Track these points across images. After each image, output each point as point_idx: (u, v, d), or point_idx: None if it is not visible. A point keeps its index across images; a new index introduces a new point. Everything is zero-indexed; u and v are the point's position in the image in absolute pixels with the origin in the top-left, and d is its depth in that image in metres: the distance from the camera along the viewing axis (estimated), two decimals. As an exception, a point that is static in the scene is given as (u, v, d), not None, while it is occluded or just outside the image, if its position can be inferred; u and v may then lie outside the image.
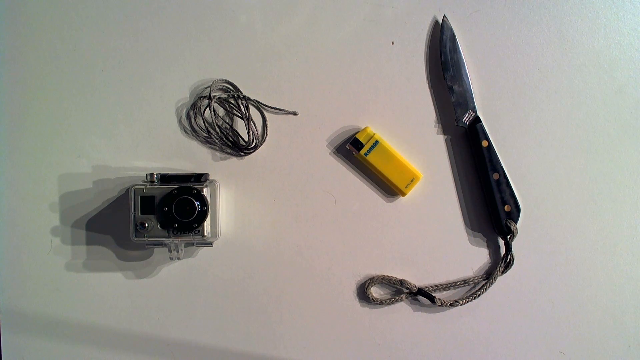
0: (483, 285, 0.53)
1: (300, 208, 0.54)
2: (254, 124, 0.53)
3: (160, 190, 0.48)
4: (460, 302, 0.53)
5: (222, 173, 0.54)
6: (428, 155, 0.54)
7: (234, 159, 0.54)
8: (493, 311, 0.54)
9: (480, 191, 0.54)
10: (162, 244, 0.49)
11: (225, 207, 0.53)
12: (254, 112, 0.54)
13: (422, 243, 0.54)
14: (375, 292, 0.54)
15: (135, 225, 0.48)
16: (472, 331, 0.54)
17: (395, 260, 0.54)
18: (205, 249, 0.53)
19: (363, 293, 0.53)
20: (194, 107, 0.53)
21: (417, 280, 0.54)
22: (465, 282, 0.53)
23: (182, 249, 0.49)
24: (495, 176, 0.52)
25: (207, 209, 0.48)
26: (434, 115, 0.54)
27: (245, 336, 0.54)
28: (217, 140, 0.53)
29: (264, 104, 0.53)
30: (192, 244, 0.51)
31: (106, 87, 0.54)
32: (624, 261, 0.54)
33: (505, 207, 0.52)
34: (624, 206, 0.54)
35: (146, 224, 0.47)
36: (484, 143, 0.52)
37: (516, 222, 0.53)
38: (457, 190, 0.54)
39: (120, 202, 0.53)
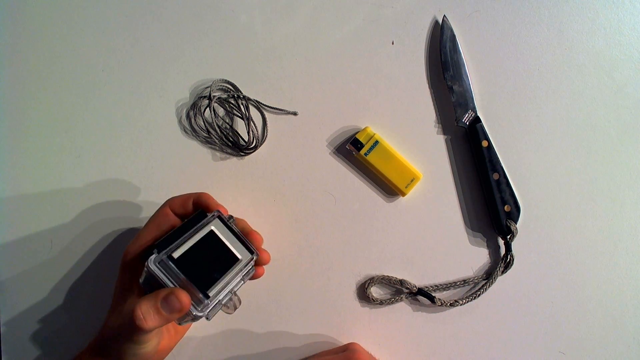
0: (483, 285, 0.53)
1: (300, 208, 0.54)
2: (254, 124, 0.53)
3: None
4: (460, 302, 0.53)
5: (222, 173, 0.54)
6: (428, 155, 0.54)
7: (234, 159, 0.54)
8: (493, 311, 0.54)
9: (480, 191, 0.54)
10: None
11: (226, 206, 0.53)
12: (254, 112, 0.54)
13: (422, 243, 0.54)
14: (375, 292, 0.54)
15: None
16: (472, 331, 0.54)
17: (395, 260, 0.54)
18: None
19: (363, 293, 0.53)
20: (194, 107, 0.53)
21: (417, 280, 0.54)
22: (465, 282, 0.53)
23: None
24: (495, 176, 0.52)
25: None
26: (434, 115, 0.54)
27: (245, 336, 0.54)
28: (217, 140, 0.53)
29: (264, 104, 0.53)
30: None
31: (106, 87, 0.54)
32: (624, 261, 0.54)
33: (505, 207, 0.52)
34: (624, 206, 0.54)
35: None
36: (484, 143, 0.52)
37: (516, 222, 0.53)
38: (457, 190, 0.54)
39: (120, 202, 0.53)
